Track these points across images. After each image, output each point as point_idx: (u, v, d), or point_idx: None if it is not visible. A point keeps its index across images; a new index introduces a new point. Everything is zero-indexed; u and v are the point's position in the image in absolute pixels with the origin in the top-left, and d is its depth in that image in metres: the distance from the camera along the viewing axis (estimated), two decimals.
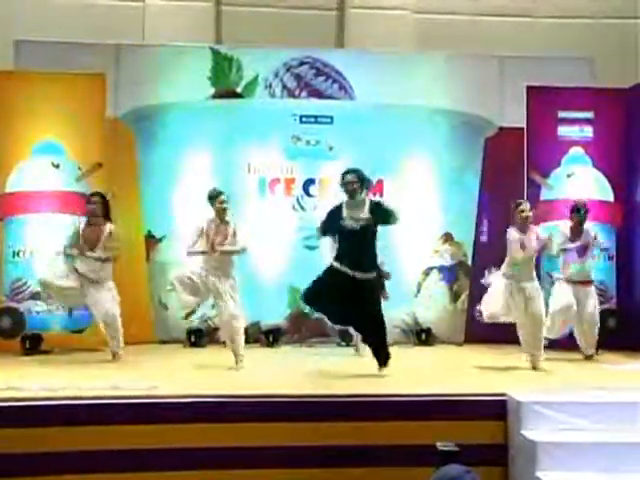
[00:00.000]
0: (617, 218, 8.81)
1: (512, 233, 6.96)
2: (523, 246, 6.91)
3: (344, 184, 6.39)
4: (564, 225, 7.77)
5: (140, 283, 8.72)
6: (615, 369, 7.05)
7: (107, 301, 7.09)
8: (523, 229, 6.97)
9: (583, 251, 7.64)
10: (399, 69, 9.40)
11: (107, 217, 7.26)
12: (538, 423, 4.95)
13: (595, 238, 7.71)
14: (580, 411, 5.01)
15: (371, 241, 6.33)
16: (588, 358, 7.75)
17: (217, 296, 6.81)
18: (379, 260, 6.60)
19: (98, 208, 7.20)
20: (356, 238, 6.26)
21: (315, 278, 6.36)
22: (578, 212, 7.65)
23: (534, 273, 7.02)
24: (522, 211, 6.98)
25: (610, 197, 8.83)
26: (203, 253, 6.80)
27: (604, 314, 8.10)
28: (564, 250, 7.60)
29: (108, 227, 7.20)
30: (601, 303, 7.96)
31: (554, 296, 7.52)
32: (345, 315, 6.39)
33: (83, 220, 7.30)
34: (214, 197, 6.89)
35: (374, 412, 5.14)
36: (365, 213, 6.29)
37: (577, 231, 7.63)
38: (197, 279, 6.78)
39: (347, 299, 6.16)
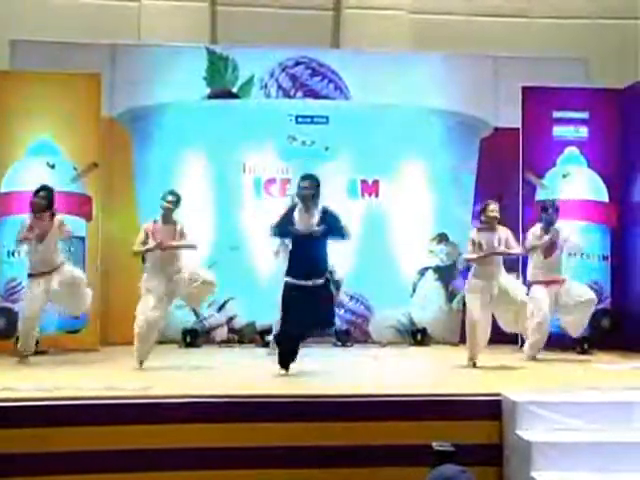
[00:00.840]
0: (612, 218, 8.83)
1: (472, 234, 7.08)
2: (481, 246, 6.93)
3: (300, 189, 6.43)
4: (535, 227, 7.68)
5: (135, 283, 8.69)
6: (609, 369, 7.07)
7: (68, 273, 7.14)
8: (489, 229, 6.98)
9: (549, 250, 7.54)
10: (395, 69, 9.42)
11: (52, 210, 7.17)
12: (533, 423, 4.95)
13: (566, 240, 7.58)
14: (575, 411, 5.02)
15: (322, 247, 6.40)
16: (580, 349, 7.82)
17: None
18: (330, 266, 6.69)
19: (43, 202, 7.12)
20: (307, 244, 6.33)
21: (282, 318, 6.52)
22: (546, 211, 7.62)
23: (499, 272, 6.96)
24: (491, 211, 6.98)
25: (605, 197, 8.85)
26: (148, 250, 6.82)
27: (598, 314, 8.13)
28: (533, 249, 7.53)
29: (56, 220, 7.13)
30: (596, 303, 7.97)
31: (530, 306, 7.24)
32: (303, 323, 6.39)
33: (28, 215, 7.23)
34: (163, 197, 6.89)
35: (370, 412, 5.14)
36: (316, 220, 6.36)
37: (548, 231, 7.54)
38: (158, 300, 6.78)
39: (305, 309, 6.25)
